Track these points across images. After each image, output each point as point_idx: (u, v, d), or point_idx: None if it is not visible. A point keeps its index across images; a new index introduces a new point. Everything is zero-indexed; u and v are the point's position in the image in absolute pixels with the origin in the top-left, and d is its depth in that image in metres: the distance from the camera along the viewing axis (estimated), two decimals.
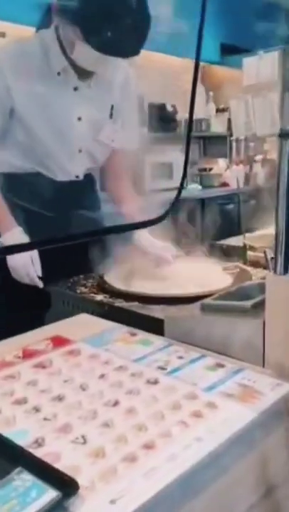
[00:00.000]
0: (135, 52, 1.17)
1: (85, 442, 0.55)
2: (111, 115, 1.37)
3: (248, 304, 0.82)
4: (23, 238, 1.26)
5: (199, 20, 0.67)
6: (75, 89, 1.29)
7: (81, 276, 1.35)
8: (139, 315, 1.04)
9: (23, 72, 1.23)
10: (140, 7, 1.11)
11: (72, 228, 1.36)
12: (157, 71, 3.58)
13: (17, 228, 1.27)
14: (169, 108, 3.62)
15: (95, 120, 1.34)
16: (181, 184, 0.62)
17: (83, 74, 1.27)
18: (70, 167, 1.37)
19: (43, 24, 1.28)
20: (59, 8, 1.19)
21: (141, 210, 1.32)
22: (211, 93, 4.16)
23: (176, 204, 0.61)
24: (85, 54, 1.16)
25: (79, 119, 1.31)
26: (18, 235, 1.26)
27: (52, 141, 1.31)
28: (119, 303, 1.12)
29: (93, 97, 1.32)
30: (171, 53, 3.53)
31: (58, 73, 1.26)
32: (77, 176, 1.40)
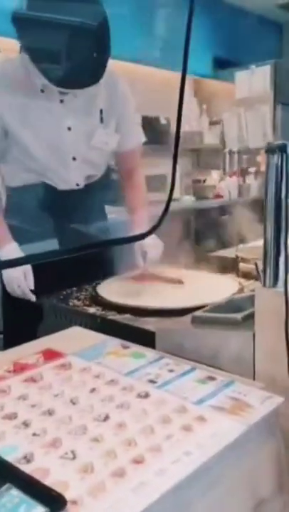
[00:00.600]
0: (93, 82, 1.22)
1: (74, 457, 0.55)
2: (101, 119, 1.39)
3: (239, 316, 0.83)
4: (19, 253, 1.29)
5: (185, 35, 0.68)
6: (61, 101, 1.32)
7: (74, 288, 1.35)
8: (131, 327, 1.05)
9: (9, 92, 1.28)
10: (97, 42, 1.15)
11: (72, 237, 1.41)
12: (152, 85, 3.62)
13: (13, 243, 1.31)
14: (163, 121, 3.66)
15: (84, 127, 1.38)
16: (169, 198, 0.62)
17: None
18: (68, 176, 1.42)
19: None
20: (21, 46, 1.24)
21: (146, 221, 1.35)
22: (204, 106, 4.21)
23: (164, 218, 0.62)
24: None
25: (69, 128, 1.36)
26: (14, 250, 1.29)
27: (45, 154, 1.35)
28: (112, 315, 1.12)
29: (80, 105, 1.35)
30: (165, 67, 3.57)
31: (42, 90, 1.29)
32: (77, 184, 1.44)
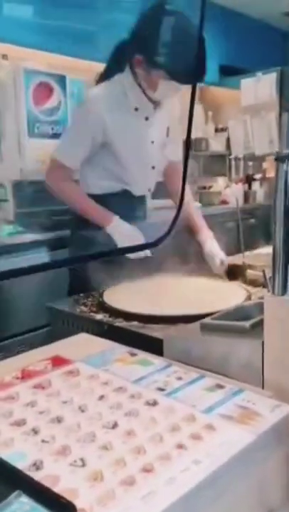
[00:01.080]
0: (204, 76, 1.44)
1: (83, 465, 0.55)
2: (167, 134, 1.69)
3: (247, 324, 0.83)
4: (125, 224, 1.50)
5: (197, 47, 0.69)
6: (146, 118, 1.60)
7: (81, 295, 1.35)
8: (138, 334, 1.05)
9: (111, 110, 1.51)
10: (202, 46, 1.35)
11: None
12: None
13: (116, 217, 1.51)
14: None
15: (161, 141, 1.66)
16: (180, 205, 0.63)
17: (156, 105, 1.59)
18: (146, 183, 1.67)
19: (115, 69, 1.57)
20: (144, 59, 1.47)
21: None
22: (210, 113, 4.22)
23: (174, 226, 0.62)
24: (166, 89, 1.48)
25: (152, 142, 1.63)
26: (120, 223, 1.50)
27: (134, 163, 1.59)
28: (119, 322, 1.12)
29: (158, 122, 1.63)
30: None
31: (136, 108, 1.56)
32: (149, 190, 1.70)
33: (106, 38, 3.30)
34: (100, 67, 3.49)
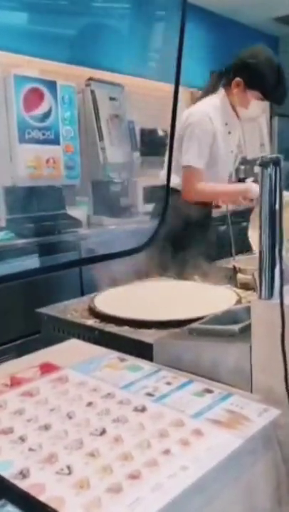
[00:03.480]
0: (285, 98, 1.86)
1: (69, 473, 0.55)
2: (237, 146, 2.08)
3: (236, 328, 0.83)
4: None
5: (177, 49, 0.70)
6: (229, 132, 1.93)
7: (72, 300, 1.35)
8: (129, 339, 1.04)
9: (216, 122, 1.85)
10: (282, 69, 1.82)
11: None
12: (152, 98, 3.66)
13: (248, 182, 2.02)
14: (160, 133, 3.69)
15: (236, 152, 2.04)
16: (164, 212, 0.63)
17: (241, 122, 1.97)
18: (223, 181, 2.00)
19: (210, 89, 1.97)
20: (241, 81, 1.84)
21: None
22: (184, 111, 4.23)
23: (158, 232, 0.62)
24: (256, 107, 1.88)
25: (231, 151, 1.98)
26: (252, 184, 1.84)
27: (221, 169, 1.93)
28: (110, 328, 1.12)
29: (235, 136, 1.99)
30: (164, 81, 3.63)
31: (226, 123, 1.90)
32: None
33: (98, 44, 3.32)
34: (93, 73, 3.48)
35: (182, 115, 1.91)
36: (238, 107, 1.89)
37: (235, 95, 1.87)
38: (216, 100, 1.91)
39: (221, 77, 1.95)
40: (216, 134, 1.85)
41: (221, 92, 1.91)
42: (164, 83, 3.60)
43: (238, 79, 1.86)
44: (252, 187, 1.82)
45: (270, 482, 0.65)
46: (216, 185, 1.89)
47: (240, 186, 1.98)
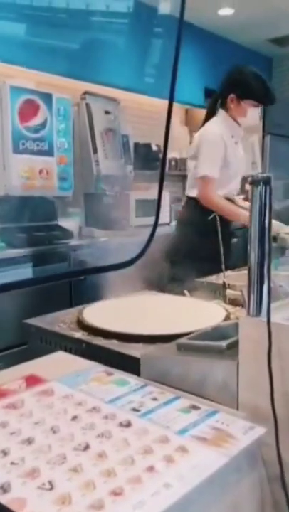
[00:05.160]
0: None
1: (51, 488, 0.54)
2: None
3: (224, 344, 0.83)
4: None
5: (172, 67, 0.71)
6: (236, 143, 2.20)
7: (61, 312, 1.34)
8: (116, 353, 1.04)
9: (226, 136, 2.12)
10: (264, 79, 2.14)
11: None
12: (146, 113, 3.70)
13: None
14: (154, 147, 3.72)
15: (244, 157, 2.33)
16: (155, 225, 0.63)
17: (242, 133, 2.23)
18: (236, 188, 2.27)
19: (210, 112, 2.24)
20: (236, 96, 2.13)
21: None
22: (194, 134, 4.29)
23: (148, 246, 0.63)
24: (253, 113, 2.16)
25: (241, 158, 2.25)
26: None
27: (235, 175, 2.20)
28: (98, 341, 1.11)
29: (240, 144, 2.24)
30: (159, 97, 3.68)
31: (232, 136, 2.17)
32: (235, 193, 2.29)
33: (95, 58, 3.37)
34: (89, 86, 3.51)
35: (194, 137, 2.27)
36: (238, 117, 2.17)
37: (233, 109, 2.16)
38: (219, 119, 2.19)
39: (216, 100, 2.23)
40: (227, 146, 2.12)
41: (221, 113, 2.19)
42: (159, 99, 3.65)
43: (231, 95, 2.16)
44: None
45: (255, 501, 0.64)
46: (229, 205, 2.11)
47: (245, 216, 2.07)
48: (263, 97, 2.13)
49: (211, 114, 2.24)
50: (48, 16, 3.12)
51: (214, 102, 2.24)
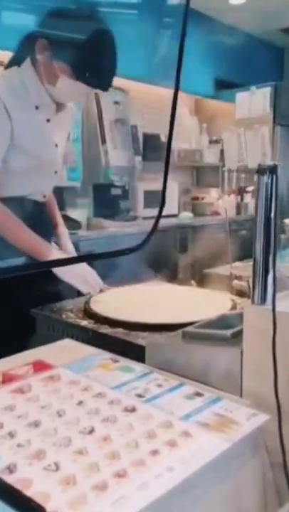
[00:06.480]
0: (110, 86, 1.36)
1: (57, 469, 0.55)
2: (68, 140, 1.59)
3: (228, 332, 0.83)
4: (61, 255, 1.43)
5: (178, 53, 0.71)
6: (48, 120, 1.41)
7: (67, 300, 1.35)
8: (122, 341, 1.05)
9: (12, 102, 1.32)
10: (114, 50, 1.31)
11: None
12: (155, 103, 3.68)
13: (54, 249, 1.42)
14: (163, 138, 3.70)
15: (64, 146, 1.51)
16: (159, 213, 0.64)
17: (58, 107, 1.42)
18: (45, 189, 1.49)
19: (20, 58, 1.36)
20: (46, 44, 1.30)
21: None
22: (204, 125, 4.27)
23: (152, 234, 0.63)
24: (66, 86, 1.31)
25: (56, 145, 1.45)
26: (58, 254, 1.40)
27: (37, 167, 1.41)
28: (104, 329, 1.13)
29: (60, 125, 1.48)
30: (168, 87, 3.66)
31: (36, 107, 1.37)
32: (44, 196, 1.50)
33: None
34: None
35: None
36: (46, 83, 1.35)
37: (40, 65, 1.35)
38: (17, 71, 1.38)
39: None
40: (17, 118, 1.33)
41: (28, 61, 1.38)
42: (168, 89, 3.62)
43: (41, 39, 1.35)
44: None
45: (257, 487, 0.65)
46: (10, 220, 1.35)
47: (38, 245, 1.37)
48: (85, 69, 1.28)
49: (15, 61, 1.38)
50: (58, 6, 3.10)
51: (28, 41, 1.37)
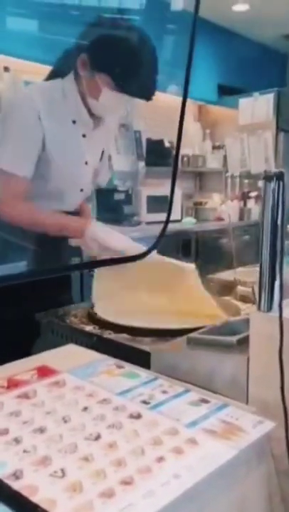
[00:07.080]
0: (153, 94, 1.32)
1: (63, 476, 0.55)
2: (101, 159, 1.50)
3: (234, 339, 0.83)
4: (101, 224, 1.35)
5: (187, 62, 0.71)
6: (84, 136, 1.39)
7: (72, 306, 1.35)
8: (127, 347, 1.05)
9: (49, 114, 1.30)
10: (154, 56, 1.28)
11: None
12: (159, 109, 3.69)
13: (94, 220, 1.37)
14: (167, 144, 3.72)
15: (95, 164, 1.47)
16: (167, 220, 0.64)
17: (96, 123, 1.39)
18: (69, 204, 1.45)
19: (60, 71, 1.37)
20: (87, 59, 1.29)
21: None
22: (207, 131, 4.28)
23: (160, 240, 0.63)
24: (109, 99, 1.30)
25: (86, 163, 1.42)
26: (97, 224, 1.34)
27: (65, 182, 1.38)
28: (108, 334, 1.12)
29: (95, 143, 1.44)
30: (172, 93, 3.67)
31: (74, 121, 1.36)
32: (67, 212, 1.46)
33: None
34: None
35: None
36: (88, 97, 1.34)
37: (82, 79, 1.34)
38: (58, 84, 1.38)
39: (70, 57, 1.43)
40: (51, 130, 1.32)
41: (70, 75, 1.38)
42: (172, 95, 3.64)
43: (83, 55, 1.34)
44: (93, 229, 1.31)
45: (263, 494, 0.65)
46: (41, 212, 1.35)
47: (75, 222, 1.38)
48: (127, 79, 1.27)
49: (56, 74, 1.38)
50: (62, 11, 3.12)
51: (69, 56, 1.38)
